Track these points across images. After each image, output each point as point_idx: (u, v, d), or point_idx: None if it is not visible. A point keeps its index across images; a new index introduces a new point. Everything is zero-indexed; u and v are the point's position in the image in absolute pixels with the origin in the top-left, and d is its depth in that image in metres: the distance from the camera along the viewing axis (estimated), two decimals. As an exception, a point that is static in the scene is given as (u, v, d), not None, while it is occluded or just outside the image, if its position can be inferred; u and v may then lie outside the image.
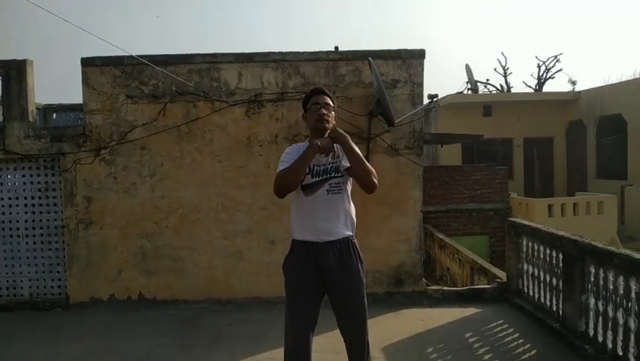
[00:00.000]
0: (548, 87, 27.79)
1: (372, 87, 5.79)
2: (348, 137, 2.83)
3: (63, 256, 6.00)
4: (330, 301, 2.89)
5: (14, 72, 5.88)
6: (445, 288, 6.21)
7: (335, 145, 2.88)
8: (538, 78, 28.13)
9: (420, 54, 5.99)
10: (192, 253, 5.92)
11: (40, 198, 6.03)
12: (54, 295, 6.05)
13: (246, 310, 5.68)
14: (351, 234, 2.90)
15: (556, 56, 27.48)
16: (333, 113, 2.88)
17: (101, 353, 4.58)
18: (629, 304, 3.64)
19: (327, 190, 2.82)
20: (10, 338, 5.03)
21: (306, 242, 2.83)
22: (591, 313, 4.17)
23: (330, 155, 2.84)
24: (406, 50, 5.96)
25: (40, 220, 6.04)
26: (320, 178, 2.82)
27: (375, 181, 2.77)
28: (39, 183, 6.02)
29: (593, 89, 18.13)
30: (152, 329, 5.19)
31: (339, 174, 2.85)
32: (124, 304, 5.88)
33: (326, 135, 2.82)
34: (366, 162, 2.81)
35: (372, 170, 2.79)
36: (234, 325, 5.24)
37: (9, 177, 6.04)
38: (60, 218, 5.99)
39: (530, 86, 28.07)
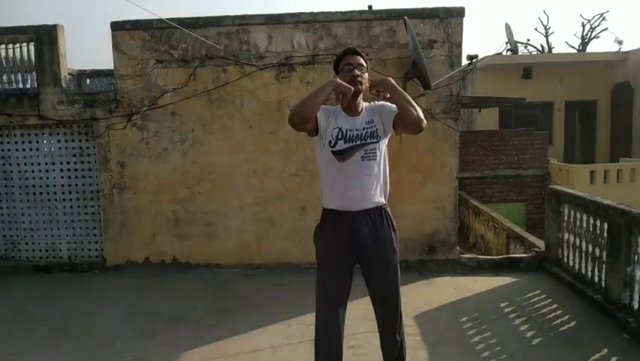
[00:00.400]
0: (592, 47, 26.43)
1: (408, 48, 5.54)
2: (389, 78, 2.69)
3: (99, 220, 6.12)
4: (362, 270, 2.80)
5: (46, 38, 5.89)
6: (479, 256, 6.07)
7: (368, 108, 2.73)
8: (582, 38, 26.72)
9: (459, 12, 5.67)
10: (224, 218, 5.94)
11: (75, 163, 6.13)
12: (91, 258, 6.22)
13: (277, 275, 5.70)
14: (384, 202, 2.78)
15: (601, 14, 25.99)
16: (366, 74, 2.71)
17: (136, 315, 4.68)
18: (681, 277, 3.43)
19: (362, 157, 2.68)
20: (50, 299, 5.22)
21: (338, 211, 2.72)
22: (636, 286, 3.97)
23: (365, 122, 2.70)
24: (443, 8, 5.65)
25: (76, 185, 6.15)
26: (354, 144, 2.67)
27: (423, 118, 2.61)
28: (74, 148, 6.10)
29: (643, 48, 17.04)
30: (185, 292, 5.28)
31: (375, 140, 2.70)
32: (158, 267, 6.00)
33: (365, 88, 2.66)
34: (409, 99, 2.64)
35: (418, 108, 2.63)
36: (265, 289, 5.28)
37: (44, 142, 6.14)
38: (95, 183, 6.09)
39: (573, 47, 26.74)
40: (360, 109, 2.73)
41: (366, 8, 5.86)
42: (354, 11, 5.71)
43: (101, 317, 4.66)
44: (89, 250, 6.24)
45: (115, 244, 6.07)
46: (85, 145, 6.10)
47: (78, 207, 6.18)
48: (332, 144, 2.67)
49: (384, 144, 2.76)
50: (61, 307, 4.96)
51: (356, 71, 2.65)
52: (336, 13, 5.70)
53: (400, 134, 2.94)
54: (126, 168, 5.96)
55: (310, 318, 3.42)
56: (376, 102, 2.81)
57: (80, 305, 4.99)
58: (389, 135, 2.78)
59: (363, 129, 2.69)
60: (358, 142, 2.67)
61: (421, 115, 2.61)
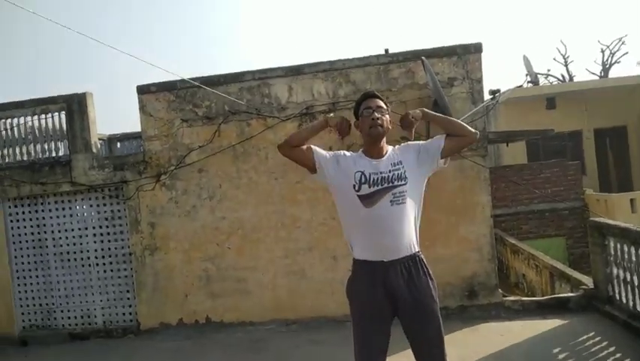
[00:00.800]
0: (614, 73, 26.06)
1: (428, 88, 5.52)
2: (422, 110, 2.69)
3: (132, 283, 6.11)
4: (401, 323, 2.63)
5: (76, 106, 6.12)
6: (524, 298, 5.76)
7: (395, 150, 2.64)
8: (603, 64, 26.42)
9: (477, 48, 5.66)
10: (255, 273, 5.85)
11: (107, 226, 6.19)
12: (126, 322, 6.17)
13: (312, 330, 5.51)
14: (417, 249, 2.64)
15: (620, 39, 25.73)
16: (387, 116, 2.62)
17: (171, 380, 4.55)
18: None
19: (391, 201, 2.54)
20: (85, 367, 5.14)
21: (370, 262, 2.59)
22: (702, 323, 3.65)
23: (391, 163, 2.59)
24: (461, 46, 5.65)
25: (109, 248, 6.19)
26: (380, 187, 2.54)
27: (472, 129, 2.65)
28: (105, 212, 6.19)
29: (669, 70, 16.68)
30: (219, 353, 5.14)
31: (403, 182, 2.57)
32: (192, 328, 5.89)
33: (387, 129, 2.61)
34: (447, 117, 2.71)
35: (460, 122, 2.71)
36: (301, 347, 5.09)
37: (77, 207, 6.25)
38: (127, 245, 6.12)
39: (595, 73, 26.41)
40: (384, 152, 2.63)
41: (383, 52, 5.91)
42: (371, 56, 5.76)
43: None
44: (123, 314, 6.20)
45: (148, 307, 6.01)
46: (116, 208, 6.18)
47: (111, 270, 6.20)
48: (356, 188, 2.56)
49: (416, 187, 2.63)
50: (96, 375, 4.87)
51: (376, 114, 2.56)
52: (354, 59, 5.76)
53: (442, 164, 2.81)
54: (156, 229, 5.98)
55: (349, 376, 3.24)
56: (406, 144, 2.70)
57: (114, 372, 4.90)
58: (428, 175, 2.69)
59: (390, 172, 2.57)
60: (385, 185, 2.54)
61: (469, 127, 2.65)
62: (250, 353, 5.05)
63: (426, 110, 2.72)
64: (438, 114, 2.69)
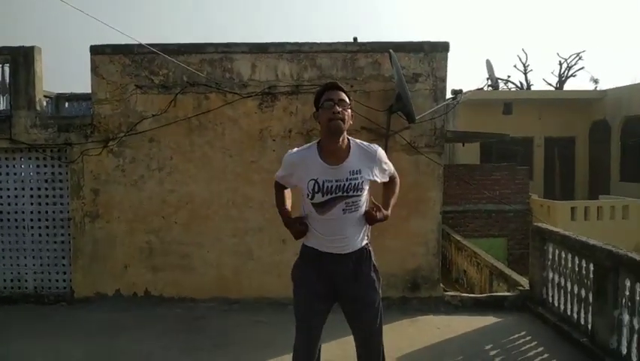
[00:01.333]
0: (569, 86, 27.16)
1: (393, 81, 5.50)
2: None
3: (69, 250, 5.84)
4: (343, 311, 2.65)
5: (21, 59, 5.72)
6: (463, 295, 5.92)
7: (358, 155, 2.55)
8: (560, 76, 27.50)
9: (443, 47, 5.68)
10: (201, 250, 5.72)
11: (46, 189, 5.87)
12: (59, 289, 5.90)
13: (255, 310, 5.46)
14: (367, 242, 2.64)
15: (578, 54, 26.87)
16: (349, 111, 2.51)
17: (100, 354, 4.39)
18: (671, 323, 3.32)
19: (344, 209, 2.50)
20: (11, 333, 4.89)
21: (319, 251, 2.59)
22: (625, 330, 3.86)
23: (349, 171, 2.50)
24: (429, 43, 5.66)
25: (46, 212, 5.88)
26: (334, 195, 2.48)
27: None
28: (45, 173, 5.86)
29: (620, 88, 17.53)
30: (156, 328, 4.99)
31: (358, 193, 2.51)
32: (129, 300, 5.71)
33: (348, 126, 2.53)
34: (394, 203, 2.77)
35: (398, 181, 2.85)
36: (243, 326, 5.03)
37: (15, 167, 5.89)
38: (66, 210, 5.83)
39: (551, 84, 27.48)
40: (343, 153, 2.51)
41: (352, 40, 5.84)
42: (339, 43, 5.68)
43: (63, 355, 4.35)
44: (57, 280, 5.92)
45: (84, 275, 5.77)
46: (57, 171, 5.86)
47: (47, 235, 5.89)
48: (310, 197, 2.50)
49: (366, 194, 2.60)
50: (22, 343, 4.62)
51: (337, 108, 2.45)
52: (321, 44, 5.67)
53: None
54: (100, 196, 5.72)
55: (288, 359, 3.22)
56: (369, 145, 2.62)
57: (41, 341, 4.66)
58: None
59: (347, 180, 2.48)
60: (339, 194, 2.48)
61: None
62: (189, 330, 4.94)
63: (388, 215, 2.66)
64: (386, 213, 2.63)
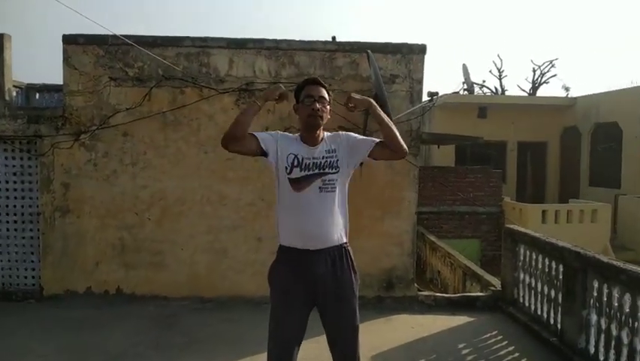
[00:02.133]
0: (542, 92, 27.77)
1: (370, 81, 5.52)
2: (372, 102, 2.63)
3: (37, 245, 5.67)
4: (319, 312, 2.61)
5: (-10, 47, 5.52)
6: (437, 294, 5.98)
7: (330, 138, 2.60)
8: (533, 82, 28.08)
9: (421, 49, 5.73)
10: (174, 247, 5.63)
11: (14, 182, 5.69)
12: (27, 286, 5.73)
13: (229, 309, 5.41)
14: (345, 240, 2.61)
15: (551, 61, 27.49)
16: (328, 107, 2.57)
17: (71, 351, 4.28)
18: (636, 323, 3.42)
19: (320, 187, 2.51)
20: (-25, 331, 4.72)
21: (296, 249, 2.54)
22: (592, 330, 3.95)
23: (325, 150, 2.55)
24: (406, 45, 5.70)
25: (15, 206, 5.70)
26: (311, 172, 2.51)
27: (405, 146, 2.61)
28: (14, 166, 5.68)
29: (590, 95, 18.01)
30: (128, 326, 4.90)
31: (334, 170, 2.54)
32: (100, 298, 5.57)
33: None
34: (389, 121, 2.63)
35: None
36: (215, 325, 4.97)
37: (-19, 158, 5.69)
38: (35, 205, 5.66)
39: (525, 90, 28.02)
40: (320, 139, 2.59)
41: (330, 39, 5.84)
42: (317, 41, 5.67)
43: (32, 354, 4.21)
44: (25, 277, 5.74)
45: (54, 272, 5.61)
46: (27, 163, 5.68)
47: (15, 230, 5.71)
48: (288, 171, 2.52)
49: (345, 177, 2.61)
50: (-15, 341, 4.48)
51: (317, 105, 2.50)
52: (300, 42, 5.65)
53: (363, 166, 2.84)
54: (70, 190, 5.57)
55: (262, 358, 3.18)
56: (339, 132, 2.70)
57: (8, 340, 4.52)
58: (354, 168, 2.65)
59: (323, 158, 2.54)
60: (316, 171, 2.52)
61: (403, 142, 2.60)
62: (161, 328, 4.86)
63: (373, 102, 2.65)
64: (383, 115, 2.61)
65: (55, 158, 5.55)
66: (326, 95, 2.57)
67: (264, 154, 2.56)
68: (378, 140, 2.63)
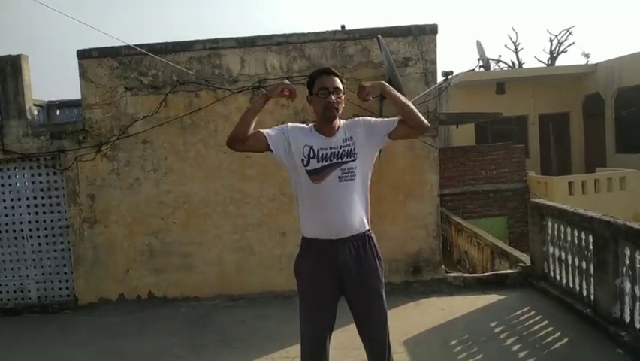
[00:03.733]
0: (561, 62, 27.09)
1: (383, 67, 5.49)
2: (384, 83, 2.61)
3: (69, 257, 5.84)
4: (347, 301, 2.63)
5: (9, 68, 5.69)
6: (465, 275, 5.95)
7: (346, 126, 2.59)
8: (551, 53, 27.41)
9: (432, 29, 5.66)
10: (201, 248, 5.72)
11: (42, 198, 5.86)
12: (62, 297, 5.91)
13: (259, 305, 5.48)
14: (367, 228, 2.61)
15: (568, 29, 26.74)
16: (343, 96, 2.54)
17: (109, 357, 4.41)
18: (672, 288, 3.34)
19: (339, 177, 2.50)
20: (17, 343, 4.90)
21: (318, 240, 2.55)
22: (627, 298, 3.88)
23: (342, 139, 2.53)
24: (416, 26, 5.63)
25: (44, 221, 5.87)
26: (329, 162, 2.49)
27: (425, 120, 2.58)
28: (41, 182, 5.85)
29: (611, 60, 17.47)
30: (162, 328, 5.02)
31: (352, 158, 2.53)
32: (133, 303, 5.72)
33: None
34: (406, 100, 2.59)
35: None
36: (247, 321, 5.05)
37: (10, 177, 5.87)
38: (64, 218, 5.83)
39: (542, 62, 27.39)
40: (336, 128, 2.57)
41: (339, 28, 5.81)
42: (327, 32, 5.65)
43: (70, 361, 4.36)
44: (60, 288, 5.93)
45: (87, 282, 5.78)
46: (52, 178, 5.85)
47: (47, 243, 5.89)
48: (305, 163, 2.51)
49: (364, 163, 2.58)
50: (27, 354, 4.64)
51: (332, 97, 2.48)
52: (309, 34, 5.64)
53: (381, 153, 2.82)
54: (96, 201, 5.71)
55: (295, 350, 3.24)
56: (355, 119, 2.67)
57: (49, 349, 4.68)
58: (375, 151, 2.64)
59: (340, 147, 2.52)
60: (334, 160, 2.50)
61: (423, 117, 2.58)
62: (195, 328, 4.96)
63: (385, 84, 2.63)
64: (397, 93, 2.58)
65: (79, 171, 5.69)
66: (340, 85, 2.54)
67: (270, 150, 2.56)
68: (397, 119, 2.60)
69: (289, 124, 2.66)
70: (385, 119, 2.69)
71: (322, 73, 2.57)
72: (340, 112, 2.54)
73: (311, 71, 5.25)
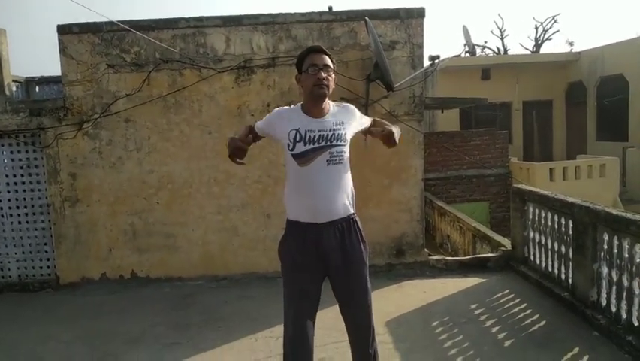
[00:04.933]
0: (545, 49, 27.26)
1: (370, 49, 5.45)
2: (395, 131, 2.59)
3: (50, 236, 5.76)
4: (330, 283, 2.64)
5: (-14, 42, 5.51)
6: (447, 258, 6.03)
7: (337, 110, 2.58)
8: (536, 40, 27.55)
9: (419, 13, 5.63)
10: (185, 229, 5.69)
11: (22, 175, 5.75)
12: (43, 276, 5.84)
13: (243, 286, 5.50)
14: (352, 211, 2.61)
15: (553, 17, 26.88)
16: (333, 75, 2.51)
17: (92, 336, 4.38)
18: (647, 273, 3.43)
19: (327, 160, 2.47)
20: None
21: (303, 223, 2.55)
22: (604, 283, 3.98)
23: (333, 122, 2.50)
24: (404, 9, 5.59)
25: (24, 199, 5.77)
26: (316, 145, 2.45)
27: (399, 139, 2.64)
28: (20, 160, 5.73)
29: (594, 49, 17.65)
30: (145, 308, 5.00)
31: (342, 143, 2.50)
32: (116, 283, 5.68)
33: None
34: (397, 133, 2.61)
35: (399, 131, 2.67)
36: (231, 302, 5.06)
37: (-13, 154, 5.73)
38: (44, 196, 5.73)
39: (527, 49, 27.53)
40: (326, 110, 2.54)
41: (327, 9, 5.75)
42: (313, 12, 5.59)
43: (53, 340, 4.32)
44: (41, 267, 5.86)
45: (68, 261, 5.72)
46: (32, 156, 5.73)
47: (27, 222, 5.79)
48: (291, 147, 2.48)
49: (348, 148, 2.59)
50: (10, 331, 4.59)
51: (322, 74, 2.44)
52: (296, 14, 5.56)
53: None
54: (78, 180, 5.62)
55: (278, 330, 3.25)
56: (346, 104, 2.67)
57: (30, 328, 4.64)
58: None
59: (330, 130, 2.48)
60: (323, 143, 2.46)
61: (398, 137, 2.62)
62: (178, 308, 4.95)
63: (395, 132, 2.60)
64: (395, 132, 2.59)
65: (60, 149, 5.58)
66: (330, 64, 2.51)
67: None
68: (370, 123, 2.73)
69: (275, 110, 2.66)
70: (365, 119, 2.75)
71: (312, 51, 2.53)
72: (330, 91, 2.50)
73: (297, 51, 5.26)
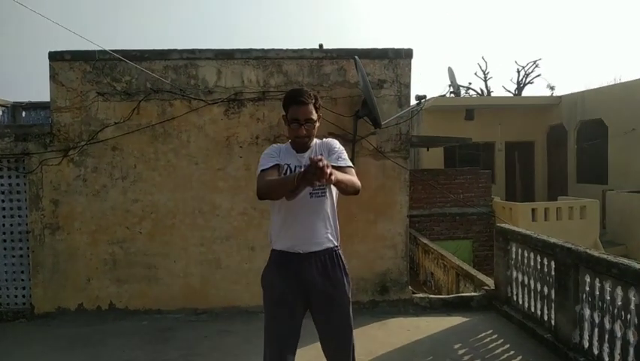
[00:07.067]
0: (527, 92, 28.09)
1: (358, 87, 5.57)
2: (341, 178, 2.38)
3: (27, 263, 5.61)
4: (312, 317, 2.63)
5: (-25, 66, 5.49)
6: (431, 296, 6.00)
7: (319, 145, 2.65)
8: (518, 83, 28.43)
9: (407, 54, 5.78)
10: (167, 260, 5.60)
11: (3, 201, 5.64)
12: (17, 305, 5.66)
13: (224, 320, 5.39)
14: (336, 244, 2.64)
15: (535, 62, 27.86)
16: (316, 124, 2.59)
17: (65, 370, 4.23)
18: (628, 316, 3.46)
19: (311, 193, 2.53)
20: (-35, 353, 4.65)
21: (287, 253, 2.57)
22: (586, 325, 3.99)
23: (315, 156, 2.56)
24: (393, 49, 5.75)
25: (3, 225, 5.64)
26: None
27: (358, 187, 2.51)
28: (2, 185, 5.63)
29: (574, 93, 18.25)
30: (122, 342, 4.85)
31: None
32: (93, 314, 5.52)
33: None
34: (348, 178, 2.46)
35: (354, 181, 2.50)
36: (210, 337, 4.94)
37: (-31, 178, 5.62)
38: (24, 223, 5.61)
39: (510, 91, 28.35)
40: (309, 145, 2.63)
41: (317, 47, 5.88)
42: (305, 49, 5.71)
43: (23, 373, 4.17)
44: (16, 296, 5.68)
45: (45, 290, 5.56)
46: (15, 182, 5.64)
47: (4, 248, 5.65)
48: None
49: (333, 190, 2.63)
50: (-22, 362, 4.42)
51: (303, 130, 2.52)
52: (287, 50, 5.68)
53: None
54: (60, 207, 5.53)
55: (258, 368, 3.17)
56: (326, 140, 2.73)
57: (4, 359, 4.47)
58: None
59: None
60: None
61: (356, 188, 2.49)
62: (156, 342, 4.82)
63: (333, 179, 2.21)
64: (341, 182, 2.38)
65: (43, 175, 5.51)
66: (313, 114, 2.54)
67: None
68: (342, 164, 2.57)
69: (273, 146, 2.71)
70: (343, 155, 2.64)
71: (295, 102, 2.53)
72: (313, 137, 2.62)
73: (287, 87, 5.34)
